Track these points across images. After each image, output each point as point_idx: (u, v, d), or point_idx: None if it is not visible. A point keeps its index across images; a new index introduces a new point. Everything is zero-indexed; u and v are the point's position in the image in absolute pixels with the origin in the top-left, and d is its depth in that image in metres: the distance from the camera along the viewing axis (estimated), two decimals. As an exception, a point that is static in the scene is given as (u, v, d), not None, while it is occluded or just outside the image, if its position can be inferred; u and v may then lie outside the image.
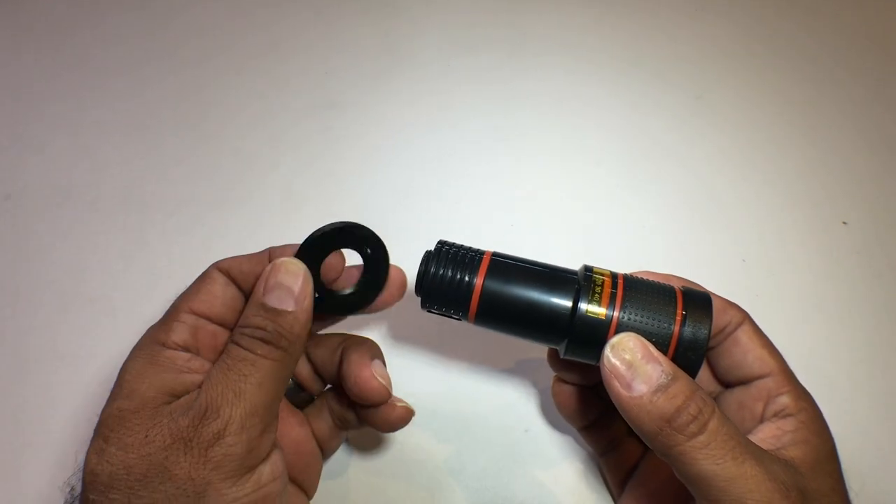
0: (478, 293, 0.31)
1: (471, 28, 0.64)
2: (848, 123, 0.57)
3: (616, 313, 0.30)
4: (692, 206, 0.51)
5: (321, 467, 0.36)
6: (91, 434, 0.27)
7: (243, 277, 0.31)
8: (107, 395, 0.28)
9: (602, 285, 0.30)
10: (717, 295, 0.33)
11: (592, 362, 0.31)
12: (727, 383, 0.34)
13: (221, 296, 0.31)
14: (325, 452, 0.36)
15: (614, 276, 0.31)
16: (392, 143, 0.54)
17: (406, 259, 0.33)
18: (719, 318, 0.32)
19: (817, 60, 0.62)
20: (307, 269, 0.30)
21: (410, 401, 0.34)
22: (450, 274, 0.31)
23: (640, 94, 0.59)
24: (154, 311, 0.32)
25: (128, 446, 0.26)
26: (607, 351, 0.29)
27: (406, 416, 0.34)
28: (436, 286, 0.31)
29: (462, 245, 0.33)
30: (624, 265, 0.36)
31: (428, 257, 0.32)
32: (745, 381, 0.32)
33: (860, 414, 0.42)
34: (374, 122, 0.56)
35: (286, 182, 0.52)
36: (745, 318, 0.33)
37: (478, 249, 0.32)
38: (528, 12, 0.65)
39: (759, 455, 0.27)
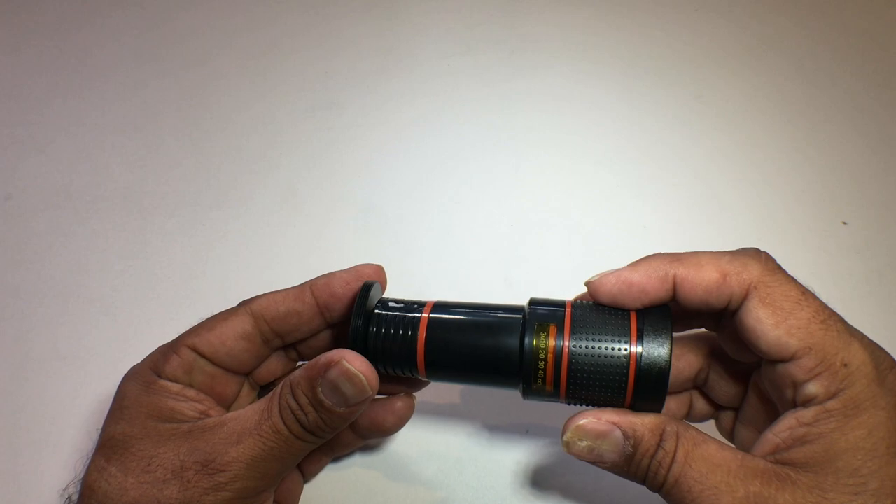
0: (421, 350, 0.30)
1: (471, 28, 0.64)
2: (848, 123, 0.57)
3: (566, 343, 0.28)
4: (692, 206, 0.51)
5: (302, 488, 0.36)
6: (86, 442, 0.27)
7: (279, 321, 0.31)
8: (107, 394, 0.29)
9: (548, 317, 0.29)
10: (713, 254, 0.28)
11: (554, 401, 0.30)
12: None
13: (232, 346, 0.31)
14: (307, 475, 0.37)
15: (561, 305, 0.30)
16: (392, 143, 0.54)
17: (406, 258, 0.33)
18: (713, 294, 0.27)
19: (817, 60, 0.62)
20: (377, 385, 0.29)
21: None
22: (392, 332, 0.30)
23: (640, 94, 0.59)
24: (154, 311, 0.32)
25: (128, 470, 0.26)
26: (565, 449, 0.28)
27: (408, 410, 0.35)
28: (380, 348, 0.30)
29: (404, 301, 0.32)
30: (623, 264, 0.36)
31: (368, 319, 0.31)
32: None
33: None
34: (374, 122, 0.56)
35: (286, 182, 0.51)
36: (750, 284, 0.27)
37: (420, 302, 0.31)
38: (528, 12, 0.65)
39: (731, 489, 0.25)
